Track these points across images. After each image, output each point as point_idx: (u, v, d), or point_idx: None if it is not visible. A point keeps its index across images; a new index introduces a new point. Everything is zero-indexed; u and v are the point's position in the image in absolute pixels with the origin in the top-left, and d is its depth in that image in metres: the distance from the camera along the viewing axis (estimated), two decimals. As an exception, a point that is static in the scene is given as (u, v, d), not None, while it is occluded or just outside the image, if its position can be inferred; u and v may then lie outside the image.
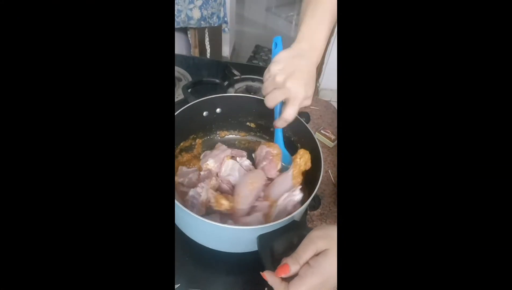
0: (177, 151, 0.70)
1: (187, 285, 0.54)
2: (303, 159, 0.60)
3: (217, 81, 0.87)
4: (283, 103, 0.56)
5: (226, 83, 0.94)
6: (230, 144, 0.75)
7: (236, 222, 0.55)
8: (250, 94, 0.89)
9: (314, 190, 0.53)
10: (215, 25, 1.32)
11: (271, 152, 0.64)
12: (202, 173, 0.64)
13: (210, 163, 0.65)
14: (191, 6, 1.21)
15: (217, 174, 0.64)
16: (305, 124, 0.66)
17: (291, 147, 0.72)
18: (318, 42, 0.55)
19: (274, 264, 0.42)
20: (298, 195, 0.57)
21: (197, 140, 0.73)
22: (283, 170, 0.64)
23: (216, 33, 1.85)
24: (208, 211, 0.57)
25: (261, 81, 0.94)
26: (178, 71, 0.98)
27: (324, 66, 2.23)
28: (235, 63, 1.04)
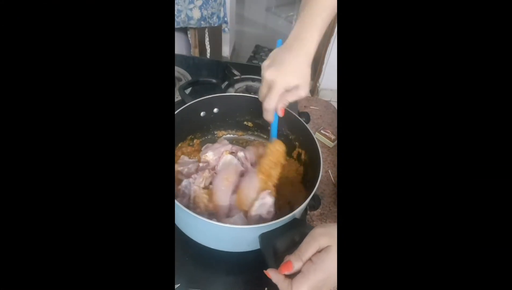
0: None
1: (187, 285, 0.54)
2: (271, 150, 0.60)
3: (214, 81, 0.87)
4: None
5: (226, 83, 0.94)
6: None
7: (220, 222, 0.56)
8: (250, 94, 0.89)
9: (313, 189, 0.53)
10: (215, 25, 1.32)
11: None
12: (200, 164, 0.65)
13: (209, 156, 0.66)
14: (191, 6, 1.20)
15: (214, 167, 0.65)
16: (305, 124, 0.66)
17: (291, 147, 0.72)
18: (307, 34, 0.54)
19: (277, 262, 0.42)
20: (268, 199, 0.57)
21: (194, 141, 0.73)
22: None
23: (216, 33, 1.85)
24: (194, 207, 0.57)
25: (261, 81, 0.94)
26: (178, 71, 0.98)
27: (324, 66, 2.23)
28: (235, 63, 1.04)
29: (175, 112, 0.61)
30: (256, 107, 0.69)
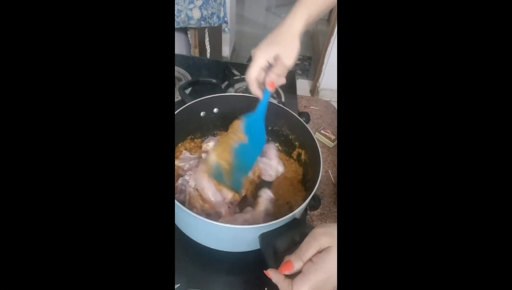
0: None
1: (187, 285, 0.54)
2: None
3: (214, 81, 0.87)
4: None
5: (226, 83, 0.94)
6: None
7: (228, 219, 0.56)
8: (250, 94, 0.89)
9: (313, 189, 0.53)
10: (215, 25, 1.32)
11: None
12: (203, 155, 0.66)
13: (210, 145, 0.67)
14: (191, 6, 1.20)
15: None
16: (305, 124, 0.66)
17: (290, 146, 0.72)
18: (291, 16, 0.55)
19: (277, 262, 0.42)
20: (268, 192, 0.59)
21: (195, 140, 0.74)
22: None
23: (216, 33, 1.85)
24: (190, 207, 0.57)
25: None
26: (178, 71, 0.98)
27: (324, 66, 2.23)
28: (235, 63, 1.04)
29: (175, 112, 0.62)
30: (255, 107, 0.69)
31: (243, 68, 1.01)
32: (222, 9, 1.31)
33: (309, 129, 0.64)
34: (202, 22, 1.26)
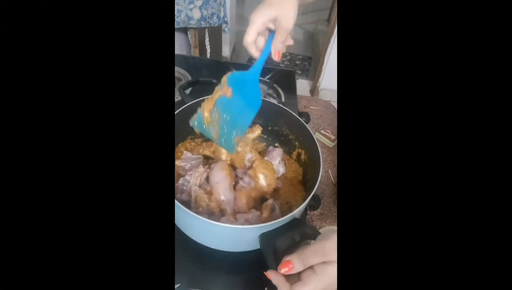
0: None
1: (187, 285, 0.54)
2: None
3: (214, 81, 0.87)
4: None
5: (226, 83, 0.94)
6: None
7: (233, 218, 0.55)
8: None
9: (313, 189, 0.53)
10: (215, 25, 1.32)
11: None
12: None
13: None
14: (191, 6, 1.20)
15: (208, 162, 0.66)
16: (305, 124, 0.66)
17: (290, 146, 0.72)
18: None
19: (277, 262, 0.42)
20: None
21: (195, 140, 0.74)
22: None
23: (216, 33, 1.85)
24: (196, 206, 0.57)
25: (261, 82, 0.94)
26: (178, 71, 0.98)
27: (324, 66, 2.23)
28: (235, 63, 1.05)
29: (176, 112, 0.62)
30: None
31: (243, 68, 1.01)
32: (222, 9, 1.31)
33: (309, 129, 0.64)
34: (202, 22, 1.26)
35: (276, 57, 0.54)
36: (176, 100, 0.85)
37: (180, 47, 1.28)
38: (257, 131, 0.68)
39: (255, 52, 0.54)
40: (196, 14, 1.23)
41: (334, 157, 0.82)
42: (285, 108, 0.69)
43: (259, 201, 0.61)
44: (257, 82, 0.55)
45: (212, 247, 0.55)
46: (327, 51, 2.15)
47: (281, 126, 0.72)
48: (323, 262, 0.39)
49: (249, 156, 0.65)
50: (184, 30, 1.32)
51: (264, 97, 0.60)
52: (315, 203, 0.70)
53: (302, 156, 0.69)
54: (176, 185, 0.60)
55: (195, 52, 1.41)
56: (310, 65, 2.72)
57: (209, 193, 0.58)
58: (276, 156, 0.67)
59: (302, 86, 2.48)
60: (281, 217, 0.48)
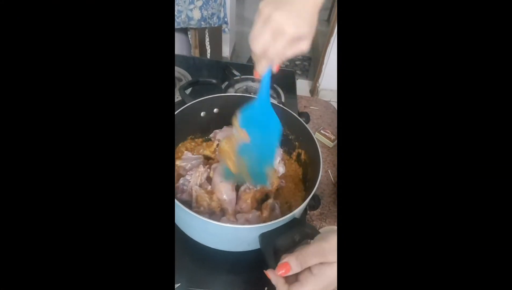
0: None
1: (187, 284, 0.54)
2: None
3: (214, 81, 0.87)
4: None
5: (226, 83, 0.94)
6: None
7: (233, 218, 0.55)
8: (251, 94, 0.89)
9: (313, 189, 0.53)
10: (215, 25, 1.32)
11: None
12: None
13: (219, 136, 0.69)
14: (192, 6, 1.21)
15: (209, 162, 0.66)
16: (305, 124, 0.66)
17: (290, 146, 0.72)
18: None
19: (277, 261, 0.42)
20: None
21: (195, 140, 0.74)
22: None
23: (216, 34, 1.85)
24: (197, 206, 0.58)
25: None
26: (179, 71, 0.98)
27: (324, 66, 2.24)
28: (235, 64, 1.05)
29: (176, 112, 0.62)
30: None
31: (243, 68, 1.01)
32: (222, 9, 1.31)
33: (309, 129, 0.64)
34: (202, 23, 1.26)
35: (276, 68, 0.48)
36: (176, 100, 0.85)
37: (180, 47, 1.28)
38: None
39: (264, 68, 0.47)
40: (196, 14, 1.23)
41: (334, 157, 0.82)
42: (285, 108, 0.69)
43: (259, 201, 0.61)
44: (269, 106, 0.52)
45: (212, 247, 0.55)
46: (327, 52, 2.16)
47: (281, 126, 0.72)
48: (321, 263, 0.39)
49: None
50: (185, 31, 1.32)
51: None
52: (315, 203, 0.70)
53: (302, 156, 0.69)
54: (176, 185, 0.60)
55: (195, 53, 1.41)
56: (310, 65, 2.72)
57: (210, 193, 0.58)
58: (276, 156, 0.67)
59: (302, 86, 2.48)
60: (281, 216, 0.49)
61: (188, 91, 0.84)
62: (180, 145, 0.71)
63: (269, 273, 0.41)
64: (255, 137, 0.53)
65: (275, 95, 0.92)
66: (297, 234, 0.47)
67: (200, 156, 0.67)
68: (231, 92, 0.92)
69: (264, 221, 0.57)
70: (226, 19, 1.35)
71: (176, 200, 0.47)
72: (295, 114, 0.68)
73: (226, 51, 2.36)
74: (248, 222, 0.55)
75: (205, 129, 0.74)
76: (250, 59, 0.50)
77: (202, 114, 0.71)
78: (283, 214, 0.58)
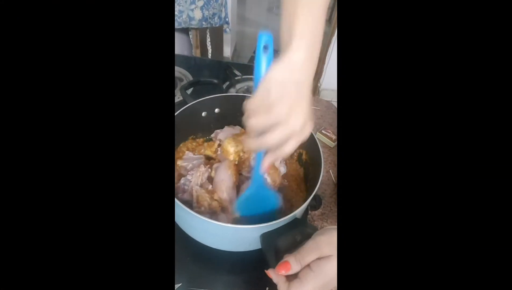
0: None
1: (188, 284, 0.54)
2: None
3: (215, 81, 0.87)
4: None
5: (227, 83, 0.94)
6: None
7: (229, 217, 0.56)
8: (251, 94, 0.89)
9: (314, 189, 0.53)
10: (217, 25, 1.32)
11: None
12: (218, 150, 0.68)
13: (221, 136, 0.70)
14: (193, 6, 1.21)
15: (210, 162, 0.67)
16: None
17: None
18: (317, 45, 0.41)
19: (278, 261, 0.42)
20: None
21: (196, 140, 0.74)
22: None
23: (217, 34, 1.85)
24: (198, 206, 0.58)
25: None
26: (180, 71, 0.98)
27: (325, 66, 2.23)
28: (236, 64, 1.05)
29: (177, 112, 0.62)
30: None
31: (244, 68, 1.01)
32: (223, 9, 1.32)
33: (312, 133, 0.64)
34: (204, 23, 1.26)
35: (262, 170, 0.48)
36: (177, 100, 0.85)
37: (181, 47, 1.28)
38: None
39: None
40: (198, 14, 1.23)
41: (335, 157, 0.82)
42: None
43: None
44: (263, 186, 0.52)
45: (213, 247, 0.55)
46: (328, 51, 2.15)
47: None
48: (319, 259, 0.40)
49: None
50: (186, 31, 1.32)
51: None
52: (316, 203, 0.70)
53: (303, 156, 0.69)
54: (177, 185, 0.60)
55: (197, 53, 1.41)
56: (311, 65, 2.71)
57: (211, 193, 0.58)
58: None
59: (303, 86, 2.47)
60: (282, 215, 0.49)
61: (189, 91, 0.84)
62: (181, 145, 0.71)
63: (270, 273, 0.41)
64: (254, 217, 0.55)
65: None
66: (299, 234, 0.47)
67: (201, 156, 0.67)
68: (232, 92, 0.92)
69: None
70: (227, 19, 1.36)
71: (177, 200, 0.47)
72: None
73: (227, 51, 2.36)
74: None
75: (206, 129, 0.74)
76: (251, 59, 0.51)
77: (203, 114, 0.71)
78: (284, 213, 0.58)
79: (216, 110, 0.72)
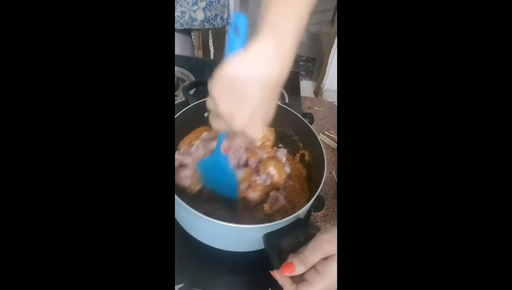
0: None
1: (190, 285, 0.54)
2: None
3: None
4: None
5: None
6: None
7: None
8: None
9: (317, 190, 0.53)
10: (219, 26, 1.32)
11: None
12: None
13: None
14: (195, 7, 1.21)
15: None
16: (309, 125, 0.65)
17: (294, 147, 0.72)
18: (290, 40, 0.36)
19: (281, 262, 0.42)
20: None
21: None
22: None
23: (219, 35, 1.85)
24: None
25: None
26: (182, 72, 0.98)
27: (328, 67, 2.23)
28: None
29: (179, 113, 0.62)
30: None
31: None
32: (225, 10, 1.32)
33: (313, 130, 0.64)
34: (206, 24, 1.27)
35: (224, 151, 0.48)
36: (180, 100, 0.85)
37: (183, 48, 1.28)
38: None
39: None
40: (200, 15, 1.23)
41: (338, 158, 0.82)
42: (289, 109, 0.69)
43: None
44: (226, 164, 0.53)
45: (216, 246, 0.55)
46: (331, 52, 2.15)
47: (285, 127, 0.72)
48: (324, 259, 0.39)
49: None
50: (188, 32, 1.32)
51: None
52: (319, 204, 0.69)
53: (306, 157, 0.69)
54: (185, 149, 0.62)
55: (199, 53, 1.41)
56: (314, 66, 2.71)
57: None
58: (281, 156, 0.67)
59: (306, 87, 2.48)
60: (285, 208, 0.49)
61: (191, 91, 0.84)
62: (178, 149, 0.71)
63: (275, 274, 0.41)
64: (214, 182, 0.58)
65: (279, 96, 0.92)
66: (302, 235, 0.47)
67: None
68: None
69: (267, 213, 0.57)
70: (229, 20, 1.36)
71: (179, 199, 0.47)
72: (299, 115, 0.67)
73: (229, 52, 2.36)
74: (252, 217, 0.55)
75: (208, 130, 0.74)
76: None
77: (206, 114, 0.71)
78: (287, 213, 0.58)
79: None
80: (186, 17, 1.21)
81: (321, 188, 0.53)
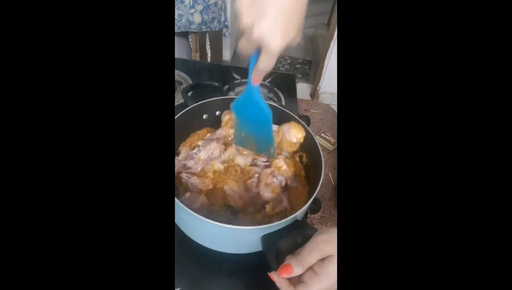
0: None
1: (188, 287, 0.54)
2: None
3: (216, 84, 0.88)
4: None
5: (226, 87, 0.94)
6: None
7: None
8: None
9: (314, 192, 0.53)
10: (216, 29, 1.33)
11: None
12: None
13: (227, 118, 0.71)
14: (192, 10, 1.21)
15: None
16: (306, 127, 0.66)
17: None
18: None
19: (279, 263, 0.42)
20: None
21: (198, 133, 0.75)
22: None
23: (217, 38, 1.86)
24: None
25: (262, 85, 0.94)
26: (179, 75, 0.99)
27: (324, 69, 2.24)
28: (235, 67, 1.05)
29: (179, 115, 0.62)
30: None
31: (243, 72, 1.01)
32: (222, 13, 1.32)
33: (311, 132, 0.65)
34: (203, 27, 1.27)
35: (254, 82, 0.48)
36: (179, 103, 0.85)
37: (181, 51, 1.28)
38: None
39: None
40: (197, 18, 1.24)
41: (335, 161, 0.82)
42: (286, 110, 0.69)
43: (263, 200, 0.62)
44: (258, 96, 0.52)
45: (214, 248, 0.55)
46: (327, 55, 2.17)
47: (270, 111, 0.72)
48: (322, 260, 0.39)
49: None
50: (185, 35, 1.32)
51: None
52: (315, 207, 0.70)
53: (304, 159, 0.69)
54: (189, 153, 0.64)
55: (196, 56, 1.42)
56: (310, 68, 2.73)
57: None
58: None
59: (303, 89, 2.49)
60: (287, 209, 0.49)
61: (190, 94, 0.85)
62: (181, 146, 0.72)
63: (273, 276, 0.41)
64: (249, 123, 0.58)
65: (275, 99, 0.93)
66: (299, 236, 0.47)
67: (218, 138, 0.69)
68: (231, 96, 0.92)
69: (267, 216, 0.57)
70: (226, 23, 1.36)
71: (180, 203, 0.47)
72: (296, 117, 0.68)
73: (226, 55, 2.37)
74: (251, 217, 0.55)
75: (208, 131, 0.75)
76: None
77: (205, 116, 0.71)
78: (286, 214, 0.58)
79: (217, 113, 0.72)
80: (184, 20, 1.21)
81: (318, 191, 0.54)
